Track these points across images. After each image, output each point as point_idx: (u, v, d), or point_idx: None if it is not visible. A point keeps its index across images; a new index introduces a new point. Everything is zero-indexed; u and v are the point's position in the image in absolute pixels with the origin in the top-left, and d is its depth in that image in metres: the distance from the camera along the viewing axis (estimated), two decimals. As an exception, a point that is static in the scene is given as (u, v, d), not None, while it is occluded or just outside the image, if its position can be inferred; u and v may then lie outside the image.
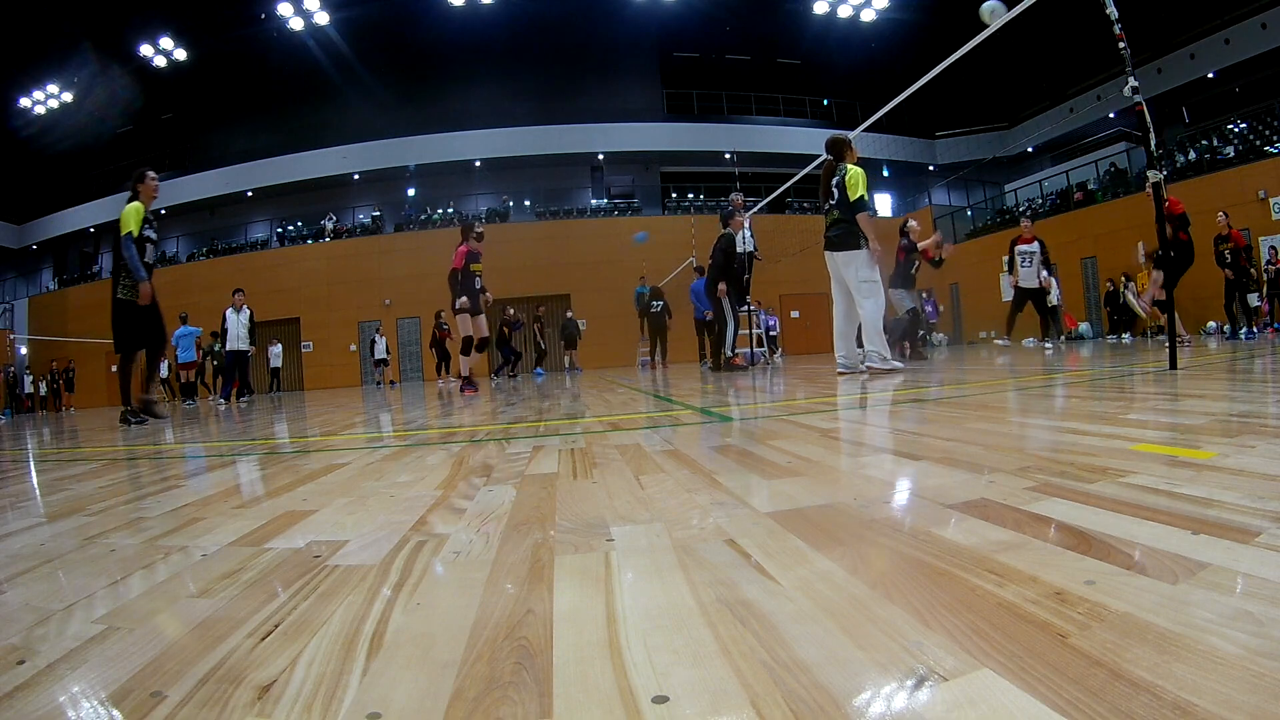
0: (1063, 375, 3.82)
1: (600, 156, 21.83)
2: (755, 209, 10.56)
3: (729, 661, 0.55)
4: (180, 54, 20.90)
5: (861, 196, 4.90)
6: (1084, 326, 16.07)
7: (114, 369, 5.15)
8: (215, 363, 13.25)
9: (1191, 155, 15.70)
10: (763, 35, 22.62)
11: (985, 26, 4.69)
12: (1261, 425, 1.50)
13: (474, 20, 20.67)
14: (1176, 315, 4.03)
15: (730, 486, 1.28)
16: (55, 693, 0.58)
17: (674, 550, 0.89)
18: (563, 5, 20.87)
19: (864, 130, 6.72)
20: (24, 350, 21.36)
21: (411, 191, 22.03)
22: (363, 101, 21.11)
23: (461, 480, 1.57)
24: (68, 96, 21.60)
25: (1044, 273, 8.57)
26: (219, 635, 0.69)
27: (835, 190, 5.04)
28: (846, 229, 4.97)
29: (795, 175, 9.36)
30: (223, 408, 8.19)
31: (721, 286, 7.55)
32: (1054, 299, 11.89)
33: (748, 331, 8.73)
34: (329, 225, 20.94)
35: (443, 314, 7.65)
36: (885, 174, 22.78)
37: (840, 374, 4.92)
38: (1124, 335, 13.63)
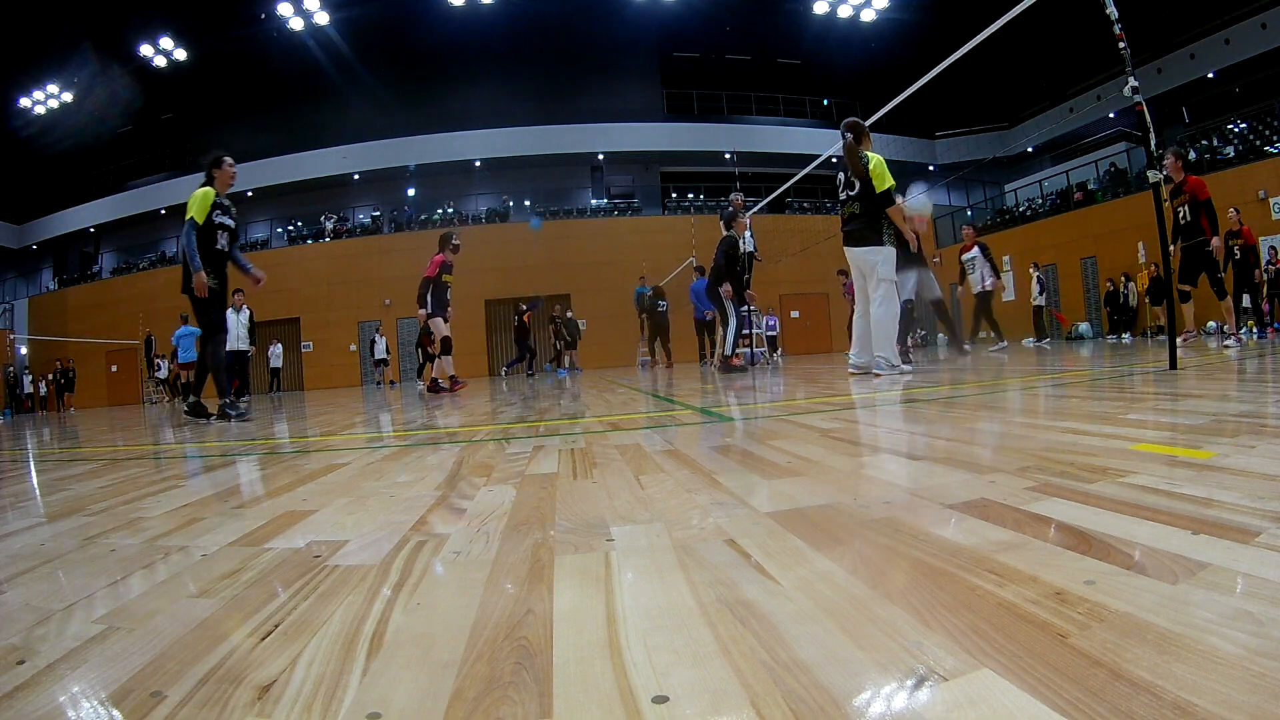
0: (1061, 375, 3.82)
1: (600, 156, 21.81)
2: (755, 209, 10.56)
3: (729, 661, 0.55)
4: (180, 54, 20.89)
5: (891, 187, 4.57)
6: (1084, 326, 16.07)
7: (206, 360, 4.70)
8: None
9: (1192, 155, 15.69)
10: (763, 35, 22.61)
11: (985, 26, 4.67)
12: (1261, 425, 1.50)
13: (474, 20, 20.67)
14: (1187, 313, 3.97)
15: (730, 486, 1.27)
16: (55, 693, 0.58)
17: (674, 550, 0.89)
18: (563, 5, 20.87)
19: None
20: (24, 350, 21.36)
21: (411, 191, 22.00)
22: (363, 101, 21.09)
23: (461, 480, 1.57)
24: (68, 96, 21.59)
25: (989, 279, 8.52)
26: (219, 635, 0.69)
27: (857, 181, 4.69)
28: (867, 223, 4.67)
29: (795, 175, 9.36)
30: (243, 408, 8.05)
31: (726, 287, 7.53)
32: (1038, 299, 11.84)
33: (748, 332, 8.72)
34: (329, 225, 20.93)
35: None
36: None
37: (851, 374, 4.80)
38: (1124, 335, 13.66)
